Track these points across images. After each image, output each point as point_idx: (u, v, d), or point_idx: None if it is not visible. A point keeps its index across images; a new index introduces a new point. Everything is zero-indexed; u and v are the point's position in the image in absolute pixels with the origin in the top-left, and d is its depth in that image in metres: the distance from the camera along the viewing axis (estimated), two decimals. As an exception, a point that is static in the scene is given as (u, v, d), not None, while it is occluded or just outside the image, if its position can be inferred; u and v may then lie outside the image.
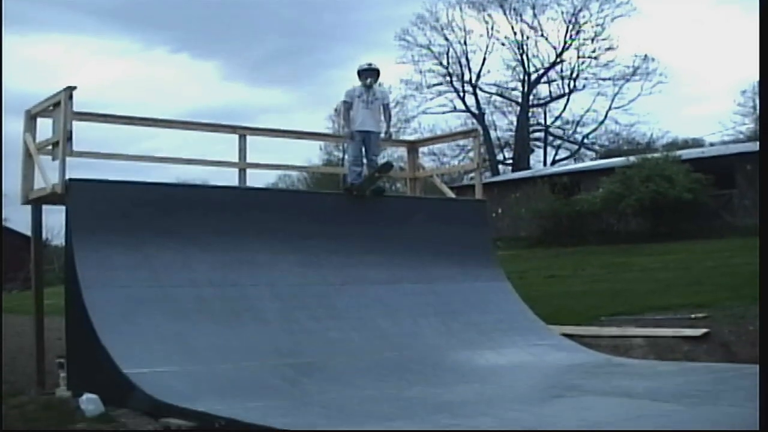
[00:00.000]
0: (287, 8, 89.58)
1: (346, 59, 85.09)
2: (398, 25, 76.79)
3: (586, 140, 70.56)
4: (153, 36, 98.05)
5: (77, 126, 12.73)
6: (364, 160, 14.77)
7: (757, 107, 66.06)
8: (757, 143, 42.12)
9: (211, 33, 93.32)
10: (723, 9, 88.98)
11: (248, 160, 14.88)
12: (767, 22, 8.19)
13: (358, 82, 14.86)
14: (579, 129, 70.68)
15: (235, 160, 14.79)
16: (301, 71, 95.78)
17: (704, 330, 13.98)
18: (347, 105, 14.88)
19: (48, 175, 12.74)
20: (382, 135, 15.18)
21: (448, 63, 69.61)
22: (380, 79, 15.35)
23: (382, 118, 15.07)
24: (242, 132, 14.94)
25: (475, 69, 69.73)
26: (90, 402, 9.95)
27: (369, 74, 14.76)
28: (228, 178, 15.30)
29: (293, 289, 13.04)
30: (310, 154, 60.67)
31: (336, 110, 53.63)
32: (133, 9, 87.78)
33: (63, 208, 12.27)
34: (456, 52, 69.45)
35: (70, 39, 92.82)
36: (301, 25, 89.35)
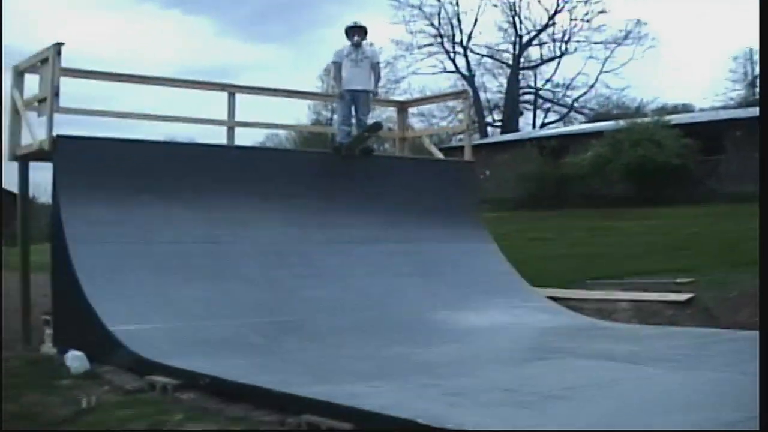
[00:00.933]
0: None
1: (339, 18, 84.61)
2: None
3: (575, 104, 70.57)
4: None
5: (64, 82, 12.70)
6: (353, 120, 14.76)
7: (748, 74, 66.42)
8: (748, 109, 42.35)
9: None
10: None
11: (237, 119, 14.86)
12: (767, 22, 8.19)
13: (347, 42, 14.82)
14: (569, 92, 70.69)
15: (224, 118, 14.78)
16: (294, 28, 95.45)
17: (689, 295, 14.06)
18: (337, 65, 14.84)
19: (35, 131, 12.72)
20: (371, 95, 15.18)
21: (439, 24, 69.35)
22: (370, 39, 15.32)
23: (372, 77, 15.04)
24: (231, 90, 14.92)
25: (467, 30, 69.55)
26: (75, 359, 10.00)
27: (356, 32, 14.71)
28: (216, 136, 15.30)
29: (277, 246, 13.08)
30: (299, 113, 60.64)
31: (326, 70, 53.37)
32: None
33: (49, 165, 12.26)
34: (447, 13, 69.20)
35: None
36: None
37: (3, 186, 13.05)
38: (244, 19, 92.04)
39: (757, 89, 64.73)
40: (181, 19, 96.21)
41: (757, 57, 65.97)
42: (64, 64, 12.68)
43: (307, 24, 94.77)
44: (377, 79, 15.26)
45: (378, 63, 15.38)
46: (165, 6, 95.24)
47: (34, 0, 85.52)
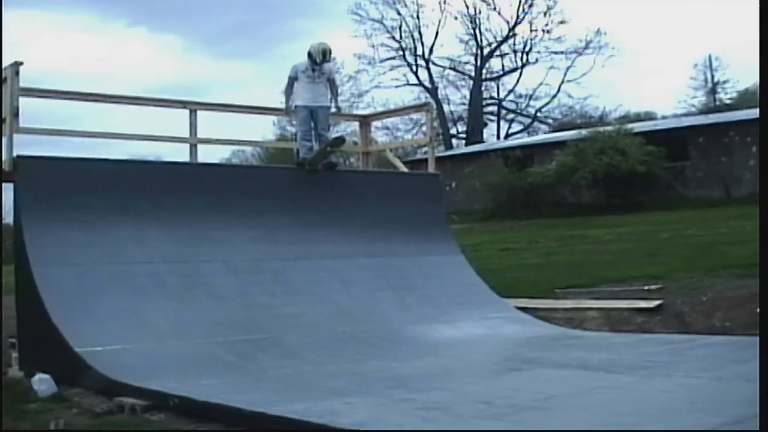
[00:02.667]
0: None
1: (307, 32, 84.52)
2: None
3: (539, 114, 71.01)
4: (110, 9, 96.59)
5: (32, 103, 12.60)
6: (314, 135, 14.71)
7: (709, 81, 67.08)
8: (710, 116, 42.73)
9: (168, 6, 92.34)
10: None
11: (200, 135, 14.78)
12: (767, 22, 8.18)
13: (305, 58, 14.78)
14: (532, 103, 71.21)
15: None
16: (262, 44, 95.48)
17: (658, 301, 14.04)
18: (290, 80, 14.87)
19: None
20: (333, 109, 15.15)
21: (401, 37, 69.69)
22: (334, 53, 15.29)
23: (328, 92, 15.02)
24: (193, 107, 14.86)
25: (428, 43, 69.94)
26: (42, 382, 9.86)
27: (322, 54, 14.70)
28: (182, 154, 15.20)
29: (248, 264, 12.97)
30: (265, 129, 60.53)
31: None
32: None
33: (12, 185, 12.11)
34: (409, 26, 69.56)
35: (26, 13, 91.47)
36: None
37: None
38: (212, 36, 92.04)
39: (718, 96, 65.57)
40: (148, 36, 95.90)
41: (716, 64, 66.83)
42: (35, 83, 12.56)
43: (275, 39, 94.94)
44: (336, 93, 15.30)
45: (334, 79, 15.43)
46: (131, 24, 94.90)
47: (8, 24, 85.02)
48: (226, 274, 12.59)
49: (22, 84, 12.55)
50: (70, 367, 9.99)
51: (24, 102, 12.56)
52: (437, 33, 69.80)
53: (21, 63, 12.42)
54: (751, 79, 58.14)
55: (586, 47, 67.28)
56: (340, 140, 15.22)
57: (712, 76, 67.71)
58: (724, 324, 12.77)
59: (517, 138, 63.34)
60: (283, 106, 15.77)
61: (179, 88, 79.88)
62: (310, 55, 14.70)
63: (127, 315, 11.01)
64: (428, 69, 70.46)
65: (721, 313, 13.13)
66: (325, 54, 14.73)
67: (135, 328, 10.81)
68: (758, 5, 8.34)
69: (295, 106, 14.91)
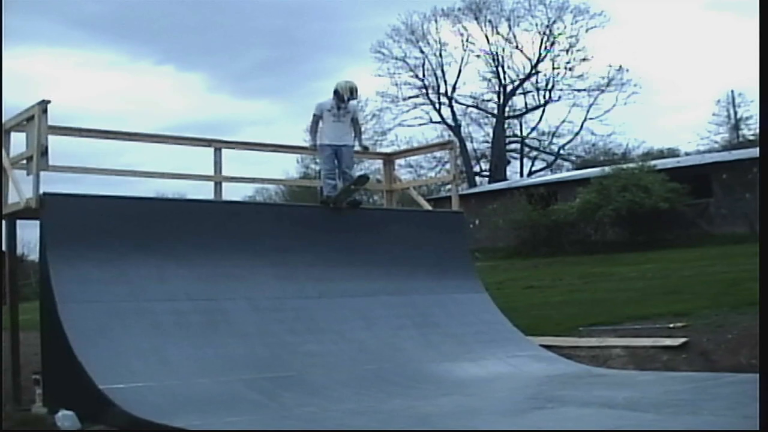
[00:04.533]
0: (273, 18, 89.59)
1: (333, 70, 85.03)
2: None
3: (562, 151, 70.81)
4: (139, 48, 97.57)
5: (60, 140, 12.71)
6: (338, 173, 14.75)
7: (731, 117, 66.87)
8: (734, 152, 42.59)
9: (196, 44, 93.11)
10: (699, 18, 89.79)
11: (225, 173, 14.85)
12: (767, 22, 8.18)
13: (331, 96, 14.86)
14: (555, 140, 70.98)
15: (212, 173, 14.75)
16: (287, 82, 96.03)
17: (683, 339, 13.97)
18: (315, 118, 14.95)
19: (22, 189, 12.63)
20: (357, 147, 15.20)
21: (423, 75, 69.72)
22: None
23: (352, 131, 15.08)
24: (217, 145, 14.94)
25: (451, 81, 69.90)
26: (66, 419, 9.90)
27: (349, 93, 14.79)
28: (207, 191, 15.27)
29: (271, 302, 12.97)
30: (289, 166, 60.81)
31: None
32: (119, 21, 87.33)
33: (39, 222, 12.17)
34: (431, 64, 69.60)
35: (57, 51, 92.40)
36: (286, 35, 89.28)
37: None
38: (238, 74, 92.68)
39: (741, 131, 65.30)
40: (175, 75, 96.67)
41: (739, 100, 66.62)
42: (64, 120, 12.67)
43: (301, 77, 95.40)
44: (359, 132, 15.35)
45: (357, 118, 15.47)
46: (159, 62, 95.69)
47: (38, 62, 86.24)
48: (249, 312, 12.59)
49: (50, 122, 12.66)
50: (94, 403, 10.00)
51: (50, 139, 12.65)
52: (460, 71, 69.87)
53: (49, 101, 12.51)
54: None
55: (609, 84, 67.21)
56: (364, 178, 15.24)
57: (735, 112, 67.51)
58: (751, 362, 12.65)
59: (541, 175, 63.27)
60: (307, 144, 15.81)
61: (205, 125, 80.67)
62: (336, 92, 14.78)
63: (150, 352, 11.02)
64: (451, 107, 70.55)
65: (748, 350, 13.02)
66: (353, 92, 14.80)
67: (158, 366, 10.82)
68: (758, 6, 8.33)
69: (320, 145, 14.96)
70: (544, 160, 72.13)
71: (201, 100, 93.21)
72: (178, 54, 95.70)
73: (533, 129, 71.31)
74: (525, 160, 72.17)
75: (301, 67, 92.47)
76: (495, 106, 70.47)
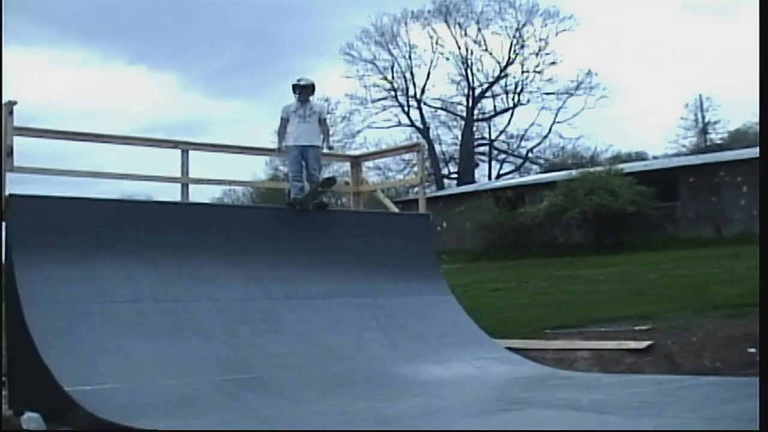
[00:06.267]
0: (246, 18, 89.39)
1: (305, 70, 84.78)
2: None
3: (530, 154, 71.12)
4: (111, 47, 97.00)
5: (26, 140, 12.63)
6: (305, 175, 14.74)
7: (699, 121, 67.40)
8: (701, 156, 42.87)
9: (168, 44, 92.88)
10: (671, 21, 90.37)
11: (194, 175, 14.81)
12: (767, 22, 8.23)
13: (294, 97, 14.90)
14: (523, 143, 71.34)
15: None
16: (259, 82, 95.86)
17: (648, 342, 14.02)
18: (282, 121, 14.92)
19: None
20: (324, 149, 15.18)
21: (392, 77, 69.91)
22: (325, 93, 15.39)
23: (320, 132, 15.05)
24: (184, 147, 14.90)
25: (420, 83, 70.22)
26: (31, 420, 9.87)
27: (302, 89, 14.84)
28: (175, 193, 15.20)
29: (236, 303, 12.94)
30: (257, 168, 60.70)
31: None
32: (91, 20, 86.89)
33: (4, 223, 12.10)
34: (401, 67, 69.87)
35: (28, 50, 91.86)
36: (260, 34, 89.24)
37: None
38: (210, 75, 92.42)
39: (708, 136, 65.84)
40: (147, 74, 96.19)
41: (707, 104, 67.18)
42: (33, 118, 12.59)
43: (273, 77, 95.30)
44: (326, 133, 15.32)
45: (325, 118, 15.45)
46: (131, 62, 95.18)
47: (6, 59, 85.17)
48: (214, 313, 12.55)
49: (16, 123, 12.59)
50: (59, 405, 9.95)
51: (16, 140, 12.59)
52: (429, 73, 70.16)
53: (15, 102, 12.47)
54: (741, 119, 58.38)
55: (578, 88, 67.74)
56: (331, 180, 15.25)
57: (703, 117, 68.13)
58: (715, 364, 12.76)
59: (508, 178, 63.56)
60: (275, 145, 15.78)
61: (177, 125, 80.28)
62: (293, 89, 14.81)
63: (115, 353, 10.96)
64: (420, 109, 70.80)
65: (711, 353, 13.12)
66: (307, 86, 14.82)
67: (123, 367, 10.77)
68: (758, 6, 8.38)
69: (286, 146, 14.93)
70: (512, 163, 72.57)
71: (173, 99, 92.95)
72: (150, 53, 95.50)
73: (502, 132, 71.84)
74: (493, 163, 72.63)
75: (273, 67, 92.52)
76: (464, 108, 70.80)
